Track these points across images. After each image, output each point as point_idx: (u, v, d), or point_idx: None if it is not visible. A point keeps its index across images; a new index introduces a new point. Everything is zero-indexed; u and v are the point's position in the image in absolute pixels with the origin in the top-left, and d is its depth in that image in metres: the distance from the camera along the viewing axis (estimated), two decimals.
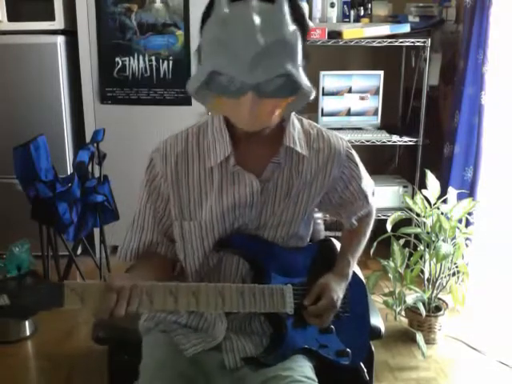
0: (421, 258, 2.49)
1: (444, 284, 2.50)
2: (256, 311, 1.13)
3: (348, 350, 1.26)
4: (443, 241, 2.43)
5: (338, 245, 1.40)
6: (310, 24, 3.20)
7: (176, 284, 1.06)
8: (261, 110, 1.02)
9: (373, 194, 1.38)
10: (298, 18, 1.00)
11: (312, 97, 1.03)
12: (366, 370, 1.39)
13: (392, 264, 2.45)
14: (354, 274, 1.36)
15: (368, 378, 1.41)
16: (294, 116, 1.22)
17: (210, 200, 1.18)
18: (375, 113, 3.37)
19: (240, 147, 1.16)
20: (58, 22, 3.11)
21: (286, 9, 0.96)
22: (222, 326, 1.22)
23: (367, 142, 3.21)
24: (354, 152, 1.29)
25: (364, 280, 2.42)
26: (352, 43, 3.14)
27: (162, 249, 1.26)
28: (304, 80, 1.01)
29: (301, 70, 1.01)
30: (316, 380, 1.21)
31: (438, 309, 2.51)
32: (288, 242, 1.25)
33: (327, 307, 1.20)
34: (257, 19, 0.94)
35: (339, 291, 1.24)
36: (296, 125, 1.22)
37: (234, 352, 1.22)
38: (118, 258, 1.26)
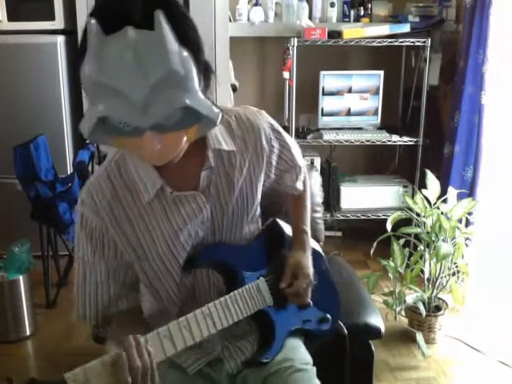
0: (421, 258, 2.49)
1: (444, 284, 2.50)
2: (244, 316, 1.13)
3: (328, 315, 1.31)
4: (443, 241, 2.42)
5: (281, 222, 1.40)
6: (309, 23, 3.25)
7: (166, 326, 1.00)
8: (164, 145, 0.93)
9: (301, 155, 1.37)
10: (187, 38, 0.86)
11: (219, 120, 0.93)
12: (343, 326, 1.46)
13: (392, 264, 2.45)
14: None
15: (346, 332, 1.47)
16: None
17: (159, 230, 1.13)
18: (375, 113, 3.37)
19: (167, 168, 1.05)
20: (58, 22, 3.12)
21: (169, 33, 0.83)
22: (216, 337, 1.22)
23: (367, 141, 3.21)
24: (274, 121, 1.26)
25: (364, 279, 2.43)
26: (352, 43, 3.15)
27: (123, 303, 1.16)
28: (204, 107, 0.89)
29: (199, 95, 0.89)
30: (312, 362, 1.24)
31: (437, 308, 2.51)
32: (246, 235, 1.24)
33: (305, 284, 1.23)
34: (137, 55, 0.82)
35: (309, 264, 1.27)
36: None
37: (233, 358, 1.23)
38: (77, 318, 1.17)
